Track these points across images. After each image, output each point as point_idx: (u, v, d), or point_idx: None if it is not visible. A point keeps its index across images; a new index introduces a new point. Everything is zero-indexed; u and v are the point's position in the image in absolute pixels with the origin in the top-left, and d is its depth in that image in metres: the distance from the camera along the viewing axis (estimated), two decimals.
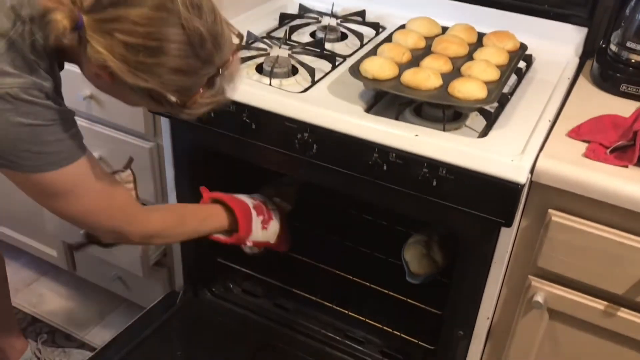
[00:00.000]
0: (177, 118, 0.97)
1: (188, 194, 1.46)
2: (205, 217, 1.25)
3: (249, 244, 1.30)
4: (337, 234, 1.66)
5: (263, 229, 1.32)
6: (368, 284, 1.51)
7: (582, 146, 1.08)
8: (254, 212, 1.30)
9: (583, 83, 1.32)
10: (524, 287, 1.16)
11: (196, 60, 0.87)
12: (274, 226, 1.35)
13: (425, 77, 1.13)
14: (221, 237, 1.27)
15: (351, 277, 1.53)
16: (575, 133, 1.11)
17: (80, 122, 1.53)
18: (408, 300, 1.45)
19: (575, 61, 1.39)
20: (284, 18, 1.54)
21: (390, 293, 1.48)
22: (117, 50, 0.82)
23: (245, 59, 1.31)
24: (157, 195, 1.55)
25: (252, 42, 1.40)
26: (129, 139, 1.50)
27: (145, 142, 1.48)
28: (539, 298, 1.12)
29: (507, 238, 1.11)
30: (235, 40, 0.96)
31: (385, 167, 1.11)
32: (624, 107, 1.21)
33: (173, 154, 1.41)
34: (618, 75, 1.26)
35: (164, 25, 0.83)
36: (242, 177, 1.48)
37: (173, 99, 0.89)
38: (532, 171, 1.04)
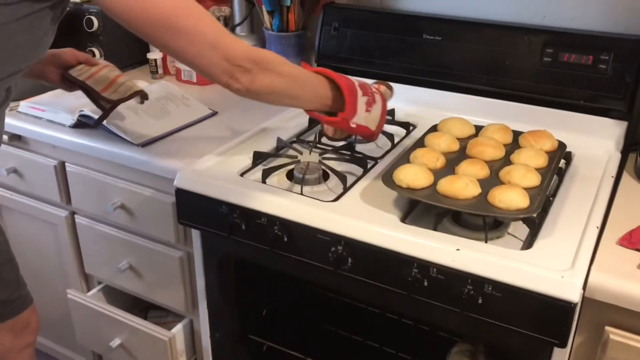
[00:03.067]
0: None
1: (220, 304, 1.41)
2: (316, 84, 1.15)
3: (352, 126, 1.19)
4: (378, 340, 1.58)
5: (366, 112, 1.20)
6: None
7: (636, 255, 1.01)
8: (359, 92, 1.19)
9: (628, 181, 1.27)
10: None
11: None
12: (376, 111, 1.23)
13: (462, 186, 1.09)
14: (325, 117, 1.19)
15: None
16: (627, 241, 1.05)
17: (109, 230, 1.54)
18: None
19: (617, 156, 1.33)
20: (314, 120, 1.53)
21: None
22: None
23: (276, 168, 1.28)
24: (187, 305, 1.50)
25: (282, 148, 1.38)
26: (159, 248, 1.47)
27: (175, 250, 1.46)
28: None
29: (561, 357, 1.03)
30: None
31: (425, 283, 1.05)
32: None
33: (204, 263, 1.38)
34: None
35: None
36: (278, 288, 1.43)
37: None
38: (584, 287, 0.97)
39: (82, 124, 1.47)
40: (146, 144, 1.41)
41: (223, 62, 1.01)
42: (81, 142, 1.45)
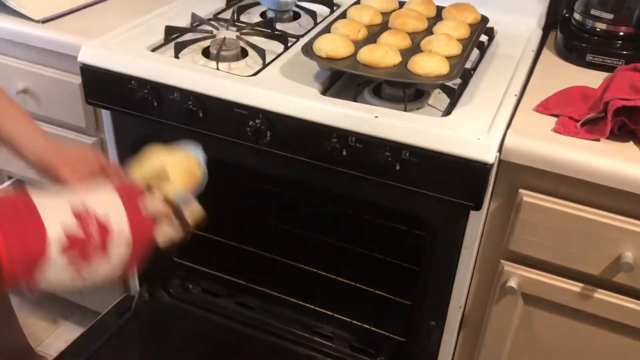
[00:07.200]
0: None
1: None
2: None
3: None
4: (298, 226, 1.58)
5: (74, 271, 0.70)
6: (334, 277, 1.43)
7: (551, 120, 1.02)
8: (52, 249, 0.67)
9: (548, 55, 1.27)
10: (497, 272, 1.10)
11: None
12: (105, 267, 0.73)
13: (382, 54, 1.05)
14: None
15: (316, 271, 1.45)
16: (543, 107, 1.05)
17: None
18: (376, 291, 1.38)
19: (538, 33, 1.33)
20: None
21: (357, 285, 1.41)
22: None
23: (189, 42, 1.21)
24: None
25: (197, 25, 1.30)
26: (70, 135, 1.38)
27: (87, 137, 1.37)
28: (513, 283, 1.07)
29: (476, 222, 1.05)
30: None
31: (344, 153, 1.03)
32: (591, 79, 1.16)
33: (117, 148, 1.31)
34: (583, 45, 1.21)
35: None
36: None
37: None
38: (500, 149, 0.97)
39: None
40: (48, 20, 1.29)
41: None
42: None
